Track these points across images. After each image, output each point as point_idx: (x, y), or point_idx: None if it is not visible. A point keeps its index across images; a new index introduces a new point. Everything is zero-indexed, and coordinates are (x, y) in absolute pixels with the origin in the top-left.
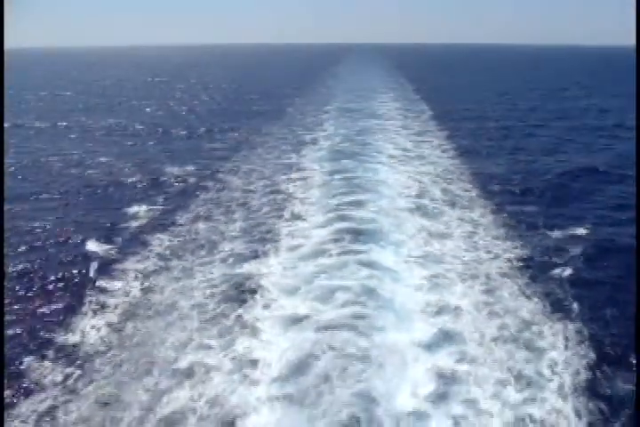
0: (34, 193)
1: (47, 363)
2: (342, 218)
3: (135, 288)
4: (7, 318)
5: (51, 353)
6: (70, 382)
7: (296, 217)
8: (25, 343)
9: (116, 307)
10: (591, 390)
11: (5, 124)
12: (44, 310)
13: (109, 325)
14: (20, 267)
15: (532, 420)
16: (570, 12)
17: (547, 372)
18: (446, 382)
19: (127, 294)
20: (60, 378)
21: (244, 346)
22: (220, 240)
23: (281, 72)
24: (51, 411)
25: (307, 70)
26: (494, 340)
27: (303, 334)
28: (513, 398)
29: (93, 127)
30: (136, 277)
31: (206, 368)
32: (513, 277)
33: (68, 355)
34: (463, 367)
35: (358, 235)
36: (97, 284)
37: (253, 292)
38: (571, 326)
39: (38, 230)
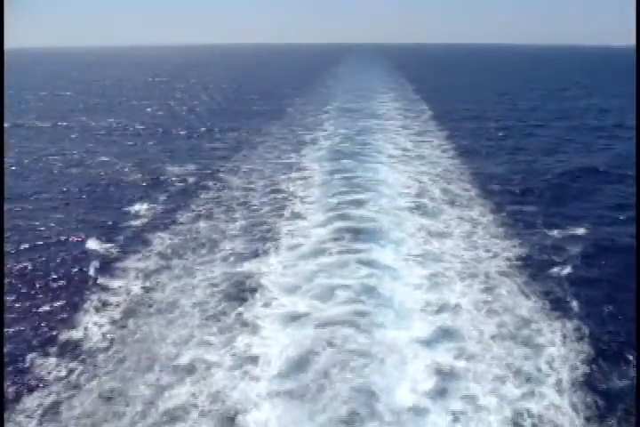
0: (35, 193)
1: (51, 359)
2: (342, 217)
3: (137, 286)
4: (11, 315)
5: (54, 349)
6: (74, 377)
7: (296, 216)
8: (29, 340)
9: (118, 304)
10: (588, 385)
11: (5, 124)
12: (47, 307)
13: (112, 322)
14: (23, 265)
15: (530, 415)
16: (570, 12)
17: (545, 368)
18: (445, 378)
19: (129, 291)
20: (63, 373)
21: (244, 343)
22: (220, 239)
23: (281, 72)
24: (55, 406)
25: (307, 70)
26: (493, 337)
27: (303, 331)
28: (511, 394)
29: (94, 127)
30: (137, 276)
31: (207, 364)
32: (512, 275)
33: (72, 351)
34: (462, 364)
35: (358, 234)
36: (99, 282)
37: (254, 290)
38: (569, 324)
39: (40, 229)
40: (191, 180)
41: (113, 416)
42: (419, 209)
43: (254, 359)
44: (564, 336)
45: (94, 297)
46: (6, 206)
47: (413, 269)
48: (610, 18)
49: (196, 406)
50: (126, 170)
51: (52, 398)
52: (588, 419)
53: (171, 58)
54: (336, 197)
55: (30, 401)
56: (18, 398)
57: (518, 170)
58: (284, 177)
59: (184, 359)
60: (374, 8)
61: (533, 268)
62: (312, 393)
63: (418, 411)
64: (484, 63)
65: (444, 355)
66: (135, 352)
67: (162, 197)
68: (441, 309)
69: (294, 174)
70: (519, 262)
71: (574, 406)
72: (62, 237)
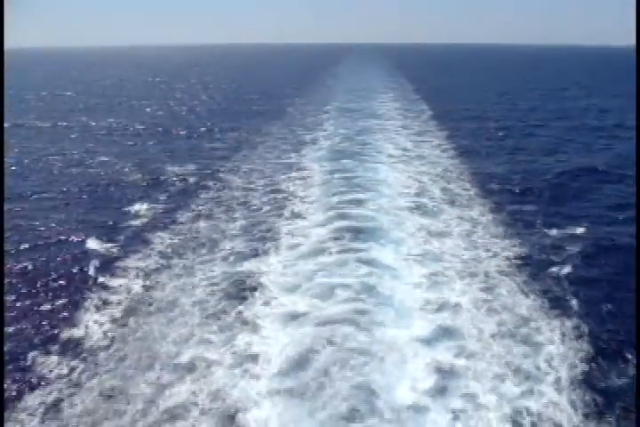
0: (35, 192)
1: (52, 357)
2: (342, 216)
3: (137, 285)
4: (13, 314)
5: (56, 348)
6: (75, 375)
7: (296, 216)
8: (30, 338)
9: (118, 303)
10: (587, 383)
11: (5, 124)
12: (48, 306)
13: (112, 320)
14: (24, 265)
15: (530, 413)
16: (570, 12)
17: (544, 366)
18: (445, 376)
19: (129, 290)
20: (64, 372)
21: (244, 341)
22: (220, 239)
23: (281, 72)
24: (56, 404)
25: (307, 70)
26: (493, 335)
27: (303, 330)
28: (511, 392)
29: (94, 127)
30: (138, 275)
31: (207, 363)
32: (511, 274)
33: (73, 350)
34: (462, 362)
35: (358, 233)
36: (100, 281)
37: (254, 289)
38: (568, 323)
39: (41, 229)
40: (191, 179)
41: (114, 414)
42: (419, 209)
43: (254, 358)
44: (563, 335)
45: (95, 296)
46: (7, 206)
47: (413, 268)
48: (610, 18)
49: (196, 404)
50: (126, 170)
51: (54, 396)
52: (586, 416)
53: (171, 58)
54: (336, 196)
55: (32, 399)
56: (20, 396)
57: (518, 170)
58: (283, 177)
59: (184, 358)
60: (374, 8)
61: (533, 267)
62: (312, 391)
63: (418, 409)
64: (483, 63)
65: (443, 353)
66: (136, 351)
67: (162, 197)
68: (441, 307)
69: (294, 174)
70: (519, 262)
71: (573, 404)
72: (63, 237)
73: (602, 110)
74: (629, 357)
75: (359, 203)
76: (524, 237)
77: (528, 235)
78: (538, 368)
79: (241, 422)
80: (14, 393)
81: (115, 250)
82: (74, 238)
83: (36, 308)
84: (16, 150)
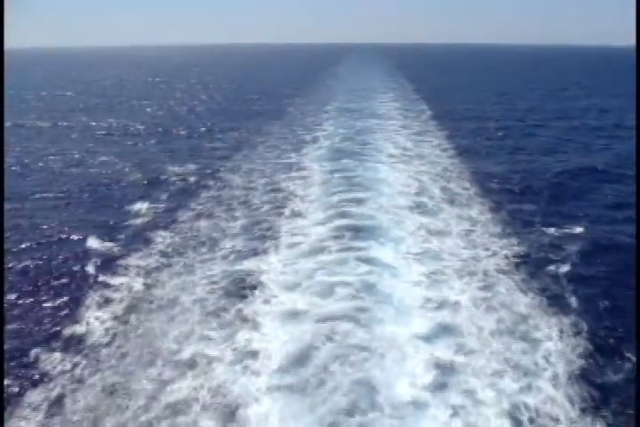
0: (37, 192)
1: (55, 354)
2: (342, 215)
3: (138, 283)
4: (16, 311)
5: (58, 345)
6: (77, 371)
7: (296, 215)
8: (33, 336)
9: (120, 301)
10: (584, 378)
11: (6, 124)
12: (51, 304)
13: (114, 318)
14: (26, 264)
15: (527, 408)
16: (570, 12)
17: (542, 362)
18: (445, 372)
19: (130, 289)
20: (67, 368)
21: (244, 338)
22: (221, 237)
23: (281, 72)
24: (59, 399)
25: (307, 70)
26: (491, 333)
27: (303, 327)
28: (509, 388)
29: (94, 127)
30: (139, 273)
31: (208, 359)
32: (510, 273)
33: (75, 347)
34: (461, 359)
35: (358, 232)
36: (101, 279)
37: (254, 288)
38: (566, 320)
39: (42, 228)
40: (192, 179)
41: (116, 410)
42: (418, 208)
43: (254, 354)
44: (561, 331)
45: (96, 294)
46: (8, 206)
47: (413, 266)
48: (610, 18)
49: (197, 399)
50: (127, 169)
51: (57, 391)
52: (583, 411)
53: (171, 58)
54: (336, 195)
55: (36, 395)
56: (24, 391)
57: (517, 169)
58: (284, 176)
59: (185, 354)
60: (374, 8)
61: (531, 265)
62: (312, 387)
63: (417, 404)
64: (483, 63)
65: (443, 350)
66: (137, 347)
67: (162, 196)
68: (440, 305)
69: (294, 173)
70: (517, 260)
71: (570, 399)
72: (64, 236)
73: (602, 110)
74: (626, 353)
75: (359, 202)
76: (523, 235)
77: (527, 234)
78: (536, 364)
79: (242, 417)
80: (19, 389)
81: (116, 249)
82: (75, 237)
83: (38, 306)
84: (16, 150)
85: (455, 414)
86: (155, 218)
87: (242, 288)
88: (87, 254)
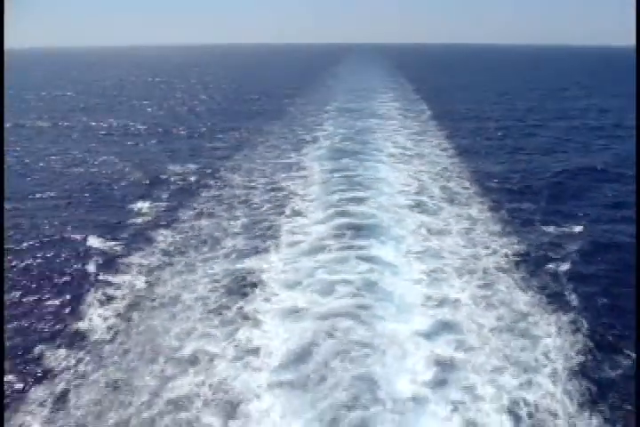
0: (38, 192)
1: (60, 351)
2: (342, 214)
3: (140, 282)
4: (20, 309)
5: (62, 342)
6: (81, 368)
7: (297, 214)
8: (37, 333)
9: (122, 299)
10: (582, 374)
11: (6, 124)
12: (54, 302)
13: (117, 315)
14: (28, 263)
15: (527, 403)
16: (570, 12)
17: (541, 359)
18: (445, 369)
19: (133, 287)
20: (71, 364)
21: (245, 335)
22: (222, 236)
23: (281, 72)
24: (64, 394)
25: (307, 70)
26: (491, 330)
27: (304, 324)
28: (508, 384)
29: (94, 127)
30: (141, 272)
31: (210, 356)
32: (510, 271)
33: (79, 344)
34: (461, 356)
35: (358, 231)
36: (104, 278)
37: (254, 286)
38: (564, 317)
39: (45, 228)
40: (193, 178)
41: (119, 405)
42: (418, 207)
43: (256, 351)
44: (560, 328)
45: (99, 292)
46: (10, 206)
47: (413, 264)
48: (610, 18)
49: (199, 395)
50: (127, 169)
51: (62, 387)
52: (581, 405)
53: (171, 58)
54: (336, 194)
55: (41, 390)
56: (30, 387)
57: (517, 169)
58: (284, 176)
59: (187, 351)
60: (374, 8)
61: (531, 264)
62: (313, 383)
63: (418, 400)
64: (484, 63)
65: (443, 347)
66: (140, 344)
67: (164, 196)
68: (441, 303)
69: (294, 173)
70: (517, 259)
71: (569, 394)
72: (66, 235)
73: (602, 110)
74: (623, 349)
75: (359, 201)
76: (523, 234)
77: (526, 233)
78: (535, 361)
79: (243, 413)
80: (25, 385)
81: (117, 247)
82: (77, 236)
83: (42, 304)
84: (17, 149)
85: (455, 409)
86: (156, 217)
87: (243, 286)
88: (89, 253)
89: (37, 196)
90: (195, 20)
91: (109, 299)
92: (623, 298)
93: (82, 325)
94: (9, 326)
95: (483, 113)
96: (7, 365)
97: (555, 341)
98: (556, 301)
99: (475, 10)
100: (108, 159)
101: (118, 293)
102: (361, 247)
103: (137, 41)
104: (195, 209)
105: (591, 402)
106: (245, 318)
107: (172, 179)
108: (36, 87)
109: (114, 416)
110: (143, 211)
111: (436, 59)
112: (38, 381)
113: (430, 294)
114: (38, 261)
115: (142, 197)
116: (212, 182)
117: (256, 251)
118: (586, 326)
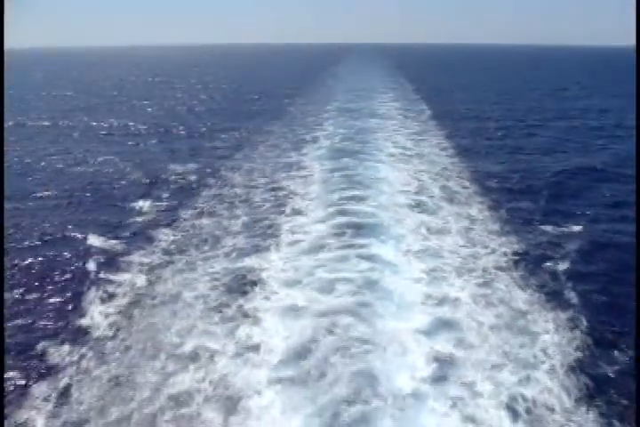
0: (38, 191)
1: (62, 347)
2: (342, 213)
3: (141, 280)
4: (21, 307)
5: (64, 338)
6: (83, 364)
7: (297, 213)
8: (40, 330)
9: (123, 297)
10: (580, 370)
11: (6, 124)
12: (56, 300)
13: (118, 312)
14: (30, 261)
15: (525, 399)
16: (570, 13)
17: (539, 355)
18: (444, 365)
19: (133, 285)
20: (74, 360)
21: (246, 333)
22: (222, 235)
23: (281, 72)
24: (67, 390)
25: (307, 70)
26: (490, 328)
27: (304, 322)
28: (507, 380)
29: (94, 127)
30: (142, 270)
31: (210, 352)
32: (509, 270)
33: (81, 340)
34: (461, 353)
35: (358, 230)
36: (104, 276)
37: (255, 284)
38: (563, 315)
39: (46, 227)
40: (193, 178)
41: (121, 401)
42: (418, 206)
43: (256, 348)
44: (558, 326)
45: (100, 290)
46: (10, 205)
47: (413, 263)
48: (610, 18)
49: (200, 391)
50: (128, 169)
51: (64, 383)
52: (578, 400)
53: (171, 58)
54: (336, 194)
55: (45, 386)
56: (33, 383)
57: (517, 168)
58: (284, 175)
59: (188, 347)
60: (374, 8)
61: (530, 263)
62: (313, 379)
63: (417, 396)
64: (484, 63)
65: (443, 344)
66: (141, 341)
67: (164, 195)
68: (440, 301)
69: (295, 172)
70: (516, 258)
71: (566, 390)
72: (67, 234)
73: (602, 110)
74: (621, 346)
75: (359, 200)
76: (522, 234)
77: (526, 232)
78: (534, 357)
79: (244, 409)
80: (29, 381)
81: (119, 246)
82: (78, 236)
83: (44, 302)
84: (17, 149)
85: (454, 405)
86: (157, 216)
87: (243, 285)
88: (90, 252)
89: (38, 195)
90: (195, 20)
91: (111, 297)
92: (621, 296)
93: (84, 322)
94: (12, 324)
95: (483, 113)
96: (12, 361)
97: (553, 337)
98: (554, 299)
99: (475, 10)
100: (109, 159)
101: (119, 291)
102: (361, 246)
103: (137, 41)
104: (195, 208)
105: (588, 397)
106: (245, 315)
107: (173, 178)
108: (36, 87)
109: (116, 411)
110: (144, 210)
111: (435, 59)
112: (42, 376)
113: (430, 292)
114: (40, 259)
115: (143, 197)
116: (212, 182)
117: (256, 249)
118: (584, 323)
